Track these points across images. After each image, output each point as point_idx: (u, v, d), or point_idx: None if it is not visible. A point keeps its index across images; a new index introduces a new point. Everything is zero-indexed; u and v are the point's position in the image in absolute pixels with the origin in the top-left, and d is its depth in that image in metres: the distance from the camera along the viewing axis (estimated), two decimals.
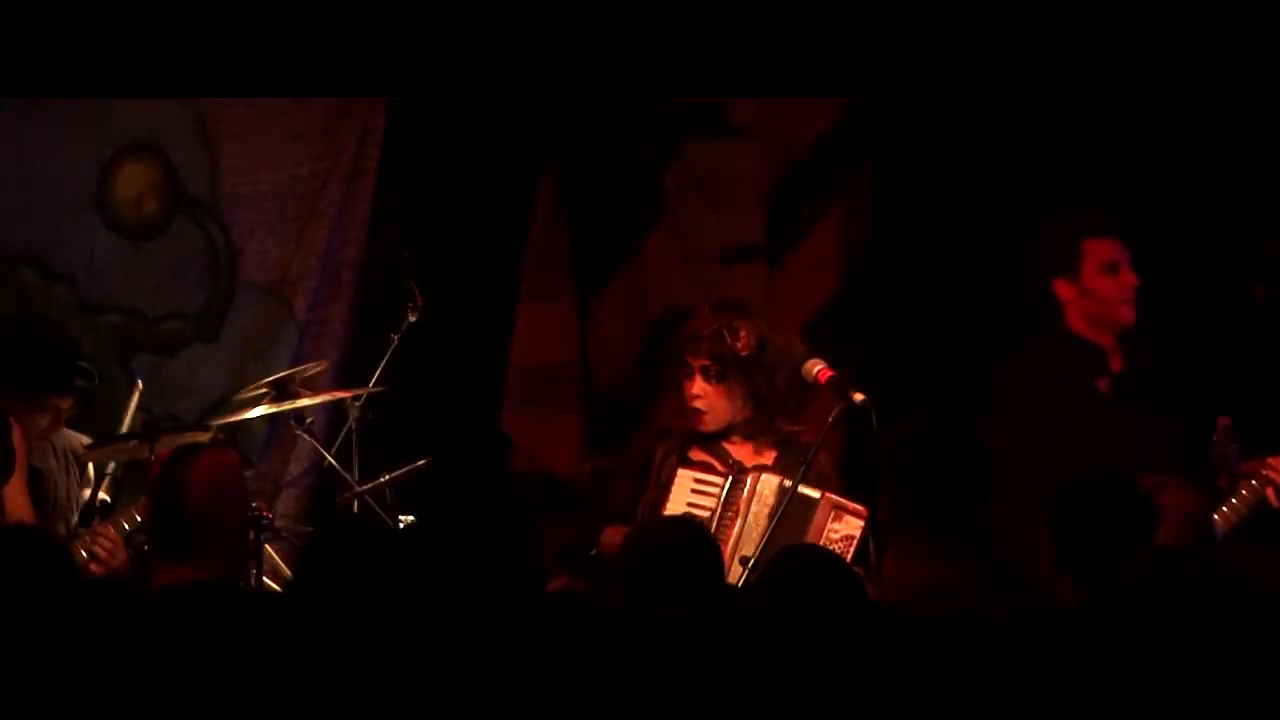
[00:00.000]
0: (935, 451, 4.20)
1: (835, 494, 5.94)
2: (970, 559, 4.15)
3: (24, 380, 6.40)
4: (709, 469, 6.02)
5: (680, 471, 5.99)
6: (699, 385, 6.06)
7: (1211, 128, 7.30)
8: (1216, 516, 5.88)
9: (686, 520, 5.47)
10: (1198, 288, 7.34)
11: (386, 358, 7.21)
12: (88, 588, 3.67)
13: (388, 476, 6.92)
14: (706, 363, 6.05)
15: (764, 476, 5.92)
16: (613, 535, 5.90)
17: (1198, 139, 7.36)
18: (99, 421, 7.36)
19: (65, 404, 6.52)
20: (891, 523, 4.19)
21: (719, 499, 5.94)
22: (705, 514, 5.89)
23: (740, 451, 6.09)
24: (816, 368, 5.91)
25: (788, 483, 5.86)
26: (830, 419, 5.76)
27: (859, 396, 5.72)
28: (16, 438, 6.30)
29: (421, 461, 6.92)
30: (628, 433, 7.87)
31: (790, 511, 5.83)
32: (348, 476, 7.00)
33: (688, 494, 5.95)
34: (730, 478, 5.96)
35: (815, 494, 5.88)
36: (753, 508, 5.89)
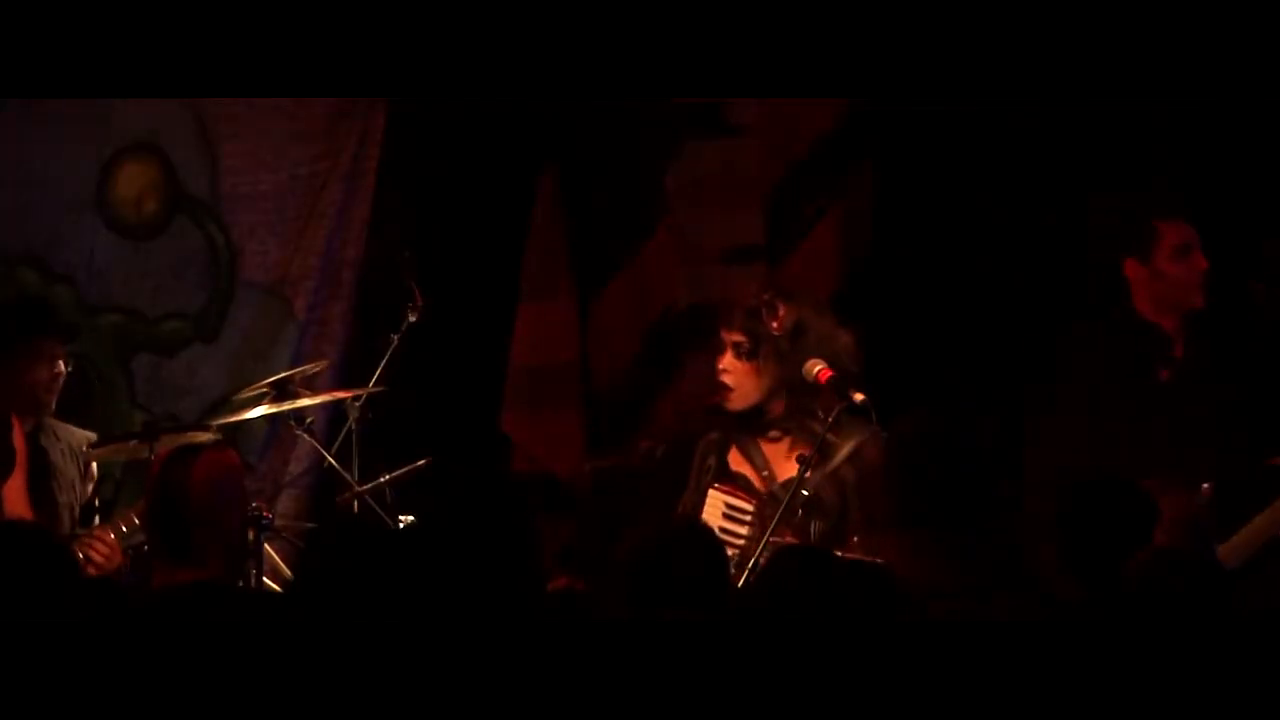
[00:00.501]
0: (937, 451, 4.19)
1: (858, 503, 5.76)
2: (972, 559, 4.14)
3: (7, 330, 6.43)
4: (742, 487, 5.88)
5: (711, 492, 5.84)
6: (728, 360, 5.88)
7: (1211, 128, 7.30)
8: (1248, 530, 5.73)
9: (689, 520, 5.41)
10: None
11: (386, 358, 7.21)
12: (88, 587, 3.66)
13: (388, 476, 6.92)
14: (739, 338, 5.87)
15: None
16: None
17: (1198, 139, 7.35)
18: (99, 421, 7.37)
19: (59, 351, 6.52)
20: (894, 523, 4.17)
21: (757, 528, 5.76)
22: (740, 542, 5.72)
23: (776, 453, 5.92)
24: (816, 368, 5.83)
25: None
26: (830, 419, 5.72)
27: (859, 396, 5.67)
28: (17, 438, 6.30)
29: (421, 461, 6.92)
30: (628, 433, 7.89)
31: None
32: (348, 476, 7.00)
33: (719, 519, 5.79)
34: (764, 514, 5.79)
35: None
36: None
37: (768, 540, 5.55)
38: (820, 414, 5.83)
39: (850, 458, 5.80)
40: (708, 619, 3.87)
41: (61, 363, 6.56)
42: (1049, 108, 7.33)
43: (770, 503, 5.77)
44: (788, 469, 5.84)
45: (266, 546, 6.53)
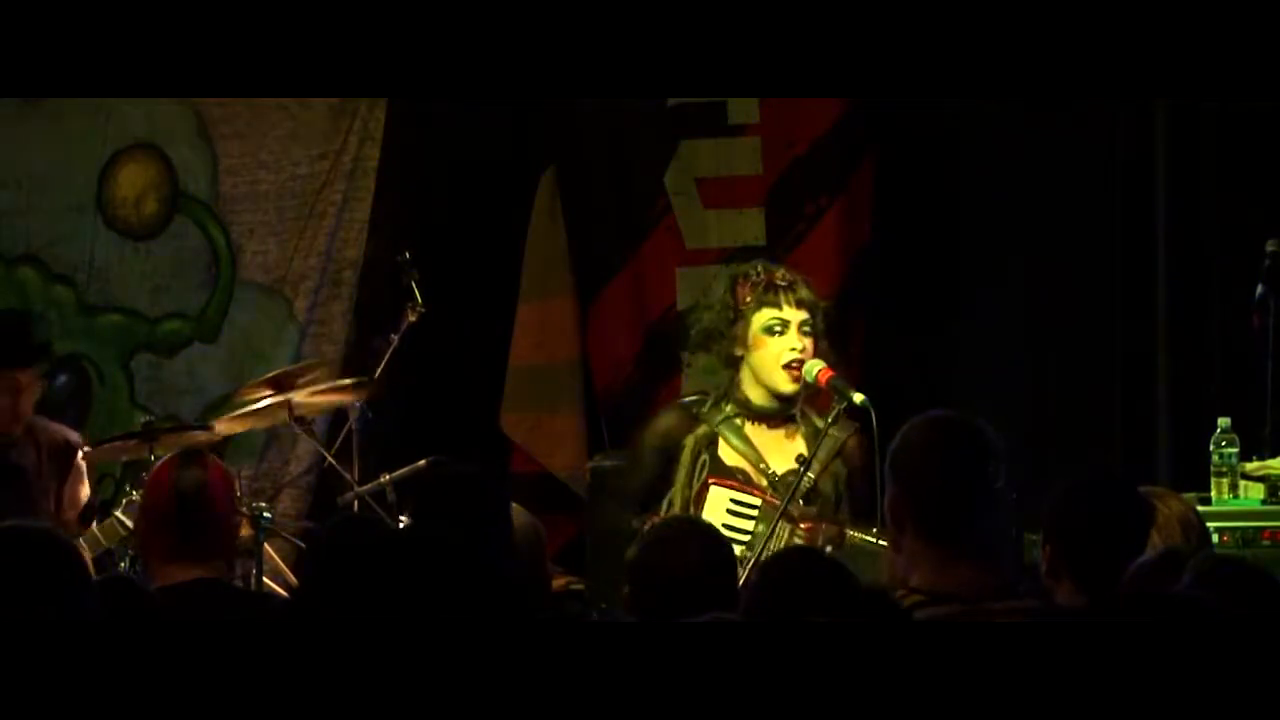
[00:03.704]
0: (941, 454, 4.17)
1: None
2: (975, 561, 4.13)
3: None
4: (741, 481, 5.72)
5: (713, 489, 5.69)
6: (797, 338, 5.71)
7: (1212, 127, 7.31)
8: None
9: (693, 521, 5.34)
10: (1198, 288, 7.35)
11: (386, 358, 7.21)
12: (97, 587, 3.67)
13: (388, 476, 6.91)
14: (805, 315, 5.73)
15: (824, 527, 5.55)
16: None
17: (1198, 138, 7.36)
18: (99, 421, 7.38)
19: (22, 379, 6.46)
20: (896, 525, 4.16)
21: (764, 522, 5.62)
22: (747, 538, 5.58)
23: (767, 443, 5.75)
24: (816, 368, 5.80)
25: (851, 531, 5.51)
26: (830, 419, 5.70)
27: (859, 397, 5.65)
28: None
29: (422, 462, 6.92)
30: (628, 433, 7.90)
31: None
32: (348, 476, 7.00)
33: (723, 515, 5.63)
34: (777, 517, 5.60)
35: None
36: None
37: (775, 531, 5.55)
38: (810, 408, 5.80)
39: (840, 452, 5.76)
40: (709, 620, 3.86)
41: (32, 386, 6.49)
42: (1049, 107, 7.34)
43: (774, 494, 5.70)
44: (781, 459, 5.73)
45: (266, 546, 6.54)
